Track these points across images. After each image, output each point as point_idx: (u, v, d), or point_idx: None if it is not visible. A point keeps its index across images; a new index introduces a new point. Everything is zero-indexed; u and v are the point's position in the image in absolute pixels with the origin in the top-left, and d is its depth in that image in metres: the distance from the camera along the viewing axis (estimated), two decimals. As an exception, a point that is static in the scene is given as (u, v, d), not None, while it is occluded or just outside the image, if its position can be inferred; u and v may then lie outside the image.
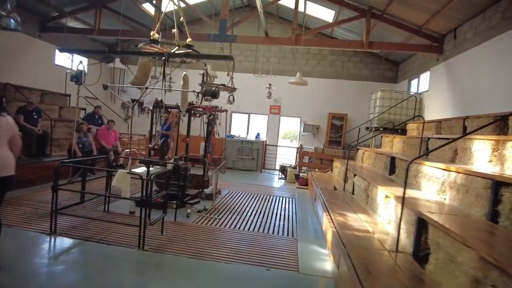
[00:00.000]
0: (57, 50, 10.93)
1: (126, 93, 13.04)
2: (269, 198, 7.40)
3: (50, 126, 7.92)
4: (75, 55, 11.75)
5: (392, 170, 6.20)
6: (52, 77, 10.67)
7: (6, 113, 3.50)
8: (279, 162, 12.05)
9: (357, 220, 4.44)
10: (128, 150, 9.95)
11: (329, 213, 4.66)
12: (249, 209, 6.28)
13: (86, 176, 4.94)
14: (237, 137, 11.71)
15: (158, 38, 5.23)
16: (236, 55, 12.54)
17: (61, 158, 7.44)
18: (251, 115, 12.61)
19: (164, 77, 4.96)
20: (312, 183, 7.61)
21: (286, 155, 12.56)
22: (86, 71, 5.17)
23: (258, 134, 11.81)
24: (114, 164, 8.88)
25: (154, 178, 3.94)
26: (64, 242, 4.03)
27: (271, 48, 12.09)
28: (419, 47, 8.70)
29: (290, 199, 7.46)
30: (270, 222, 5.58)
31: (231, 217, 5.61)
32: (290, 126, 13.93)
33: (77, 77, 4.81)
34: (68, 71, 5.32)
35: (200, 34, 9.40)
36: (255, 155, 11.18)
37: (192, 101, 6.06)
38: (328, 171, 9.31)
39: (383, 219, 4.40)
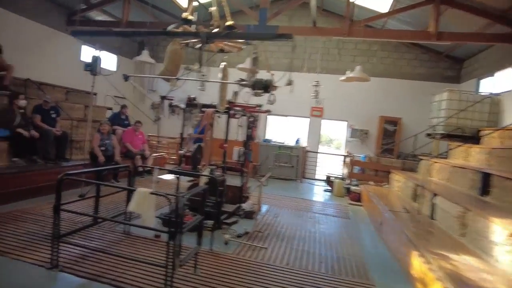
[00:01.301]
0: (83, 46, 10.30)
1: (155, 93, 12.21)
2: (320, 218, 6.14)
3: (71, 126, 7.10)
4: (105, 52, 11.05)
5: (484, 190, 4.83)
6: (79, 74, 9.91)
7: None
8: (320, 171, 10.76)
9: (470, 267, 3.12)
10: (157, 155, 9.04)
11: (422, 253, 3.37)
12: (300, 234, 5.07)
13: (99, 191, 3.91)
14: (273, 142, 10.54)
15: (193, 19, 4.17)
16: (274, 51, 11.44)
17: (81, 163, 6.59)
18: (289, 117, 11.36)
19: (200, 65, 3.89)
20: (372, 200, 6.30)
21: (326, 163, 11.26)
22: (101, 59, 4.17)
23: (298, 139, 10.57)
24: (142, 169, 8.00)
25: (187, 199, 2.84)
26: (66, 281, 3.01)
27: (313, 44, 10.87)
28: (504, 37, 7.16)
29: (345, 221, 6.17)
30: (332, 254, 4.34)
31: (280, 246, 4.43)
32: (333, 130, 12.60)
33: (91, 66, 3.85)
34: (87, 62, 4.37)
35: (236, 25, 8.32)
36: (295, 163, 9.95)
37: (231, 99, 4.96)
38: (385, 184, 7.94)
39: (508, 268, 3.07)
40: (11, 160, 5.74)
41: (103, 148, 6.83)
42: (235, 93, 5.40)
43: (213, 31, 4.09)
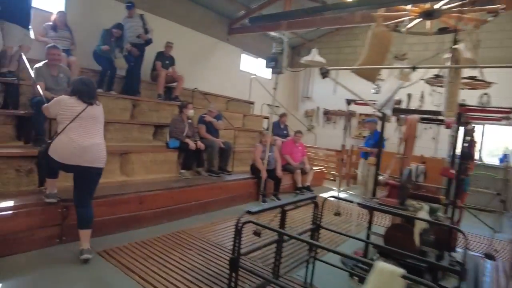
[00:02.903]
0: (242, 55, 10.17)
1: (310, 100, 11.30)
2: None
3: (233, 137, 6.65)
4: (260, 59, 10.78)
5: None
6: (237, 83, 9.88)
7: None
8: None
9: None
10: (316, 169, 7.93)
11: None
12: None
13: (282, 238, 2.79)
14: (465, 158, 8.01)
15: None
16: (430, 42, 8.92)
17: (244, 177, 6.00)
18: (484, 125, 8.55)
19: (454, 43, 2.43)
20: None
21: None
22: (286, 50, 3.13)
23: (504, 156, 7.77)
24: (301, 186, 7.03)
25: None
26: None
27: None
28: None
29: None
30: None
31: None
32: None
33: (275, 60, 2.88)
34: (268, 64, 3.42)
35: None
36: (501, 189, 7.23)
37: (463, 100, 3.28)
38: None
39: None
40: (179, 172, 5.51)
41: (265, 161, 6.08)
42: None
43: None
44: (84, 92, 3.11)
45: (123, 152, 4.86)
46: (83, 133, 3.05)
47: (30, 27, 4.96)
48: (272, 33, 3.42)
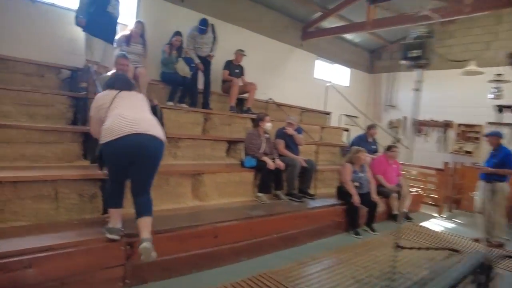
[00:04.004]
0: (316, 61, 9.27)
1: (394, 109, 9.92)
2: None
3: (314, 152, 5.70)
4: (337, 65, 9.77)
5: None
6: (312, 91, 8.95)
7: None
8: None
9: None
10: (414, 191, 6.59)
11: None
12: None
13: None
14: None
15: None
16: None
17: (331, 203, 5.00)
18: None
19: None
20: None
21: None
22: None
23: None
24: (397, 213, 5.79)
25: None
26: None
27: None
28: None
29: None
30: None
31: None
32: None
33: (420, 47, 1.91)
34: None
35: None
36: None
37: None
38: None
39: None
40: (256, 196, 4.71)
41: (356, 184, 5.02)
42: None
43: None
44: (116, 82, 2.93)
45: (195, 173, 4.21)
46: (130, 107, 2.76)
47: (114, 43, 4.74)
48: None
